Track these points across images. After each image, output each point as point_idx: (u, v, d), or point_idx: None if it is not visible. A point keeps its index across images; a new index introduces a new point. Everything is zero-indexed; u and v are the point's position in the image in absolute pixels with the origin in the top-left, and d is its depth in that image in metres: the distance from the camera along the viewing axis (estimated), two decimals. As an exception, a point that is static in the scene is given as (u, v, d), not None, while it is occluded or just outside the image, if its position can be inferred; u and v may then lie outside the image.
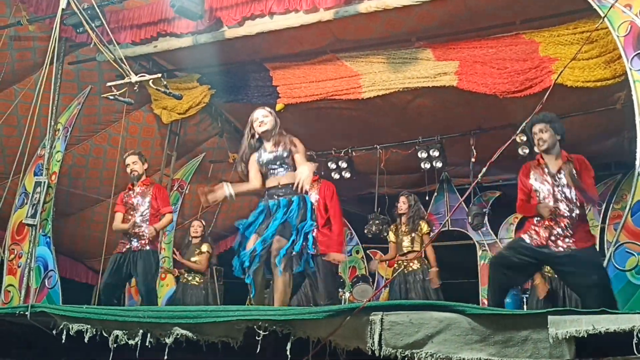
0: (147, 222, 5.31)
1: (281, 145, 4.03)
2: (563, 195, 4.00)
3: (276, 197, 3.96)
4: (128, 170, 5.46)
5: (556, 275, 4.92)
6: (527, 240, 4.04)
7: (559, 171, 4.06)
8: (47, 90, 5.21)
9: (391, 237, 6.60)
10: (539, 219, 4.03)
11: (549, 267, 5.11)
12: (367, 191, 9.36)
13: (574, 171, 3.94)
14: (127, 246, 5.27)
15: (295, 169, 4.00)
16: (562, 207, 3.98)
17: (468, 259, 8.84)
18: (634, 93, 3.96)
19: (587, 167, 4.06)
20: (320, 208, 5.25)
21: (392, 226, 6.74)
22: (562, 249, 3.92)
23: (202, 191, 4.04)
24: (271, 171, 4.04)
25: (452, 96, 6.41)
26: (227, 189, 3.99)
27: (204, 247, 6.92)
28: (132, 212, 5.38)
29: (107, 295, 5.22)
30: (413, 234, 6.31)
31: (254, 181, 4.12)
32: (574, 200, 3.97)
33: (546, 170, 4.12)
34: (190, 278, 6.88)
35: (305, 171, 3.83)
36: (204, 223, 7.22)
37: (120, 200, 5.51)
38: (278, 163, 4.01)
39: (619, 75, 4.99)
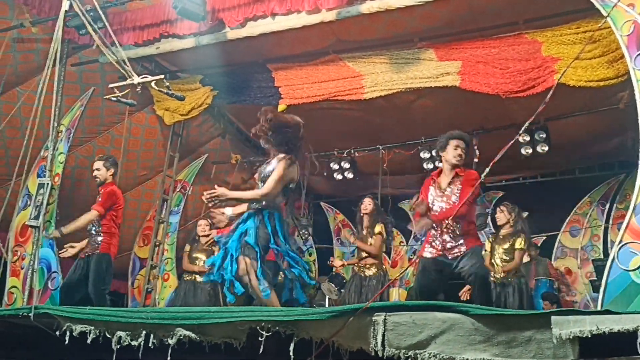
0: (100, 227, 5.30)
1: (272, 162, 3.99)
2: (447, 207, 4.36)
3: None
4: (93, 174, 5.51)
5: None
6: (428, 256, 4.42)
7: (449, 185, 4.45)
8: (50, 92, 5.21)
9: (351, 239, 6.61)
10: (433, 232, 4.43)
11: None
12: (369, 192, 9.34)
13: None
14: (86, 250, 5.32)
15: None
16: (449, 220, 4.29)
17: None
18: (637, 92, 3.94)
19: (470, 184, 4.31)
20: None
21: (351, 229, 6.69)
22: (455, 255, 4.31)
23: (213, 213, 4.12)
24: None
25: (455, 96, 6.39)
26: (228, 212, 4.08)
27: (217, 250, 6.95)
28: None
29: (65, 296, 5.25)
30: (370, 239, 6.21)
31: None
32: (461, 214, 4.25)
33: (439, 184, 4.51)
34: (197, 276, 6.89)
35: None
36: (210, 222, 7.23)
37: None
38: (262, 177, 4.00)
39: (622, 75, 4.96)
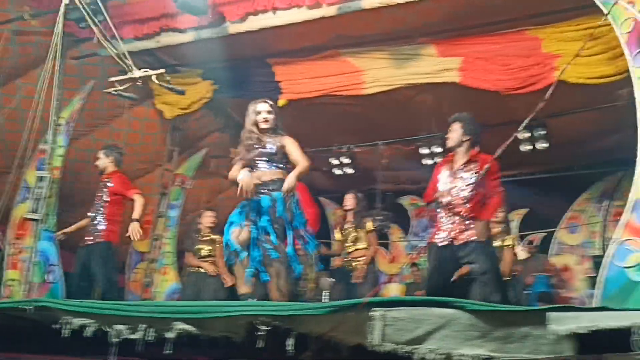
0: (104, 214, 5.37)
1: (270, 142, 4.05)
2: (460, 190, 4.29)
3: (258, 194, 3.95)
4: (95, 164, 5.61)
5: None
6: (438, 242, 4.31)
7: (461, 167, 4.35)
8: (50, 85, 5.21)
9: (337, 235, 6.58)
10: (442, 216, 4.33)
11: None
12: (368, 187, 9.36)
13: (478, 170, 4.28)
14: (86, 239, 5.38)
15: (282, 167, 4.04)
16: (458, 201, 4.27)
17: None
18: (637, 90, 3.95)
19: (493, 167, 4.30)
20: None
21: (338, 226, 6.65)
22: (463, 241, 4.20)
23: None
24: (254, 166, 4.04)
25: (455, 92, 6.40)
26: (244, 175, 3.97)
27: (218, 238, 6.93)
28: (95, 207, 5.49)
29: (75, 286, 5.32)
30: (357, 233, 6.21)
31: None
32: (471, 196, 4.24)
33: (453, 166, 4.42)
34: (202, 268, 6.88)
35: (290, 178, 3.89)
36: (215, 212, 7.22)
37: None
38: (263, 159, 4.02)
39: (622, 72, 4.97)
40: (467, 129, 4.42)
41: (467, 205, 4.22)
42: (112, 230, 5.38)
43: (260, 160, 4.03)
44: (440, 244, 4.30)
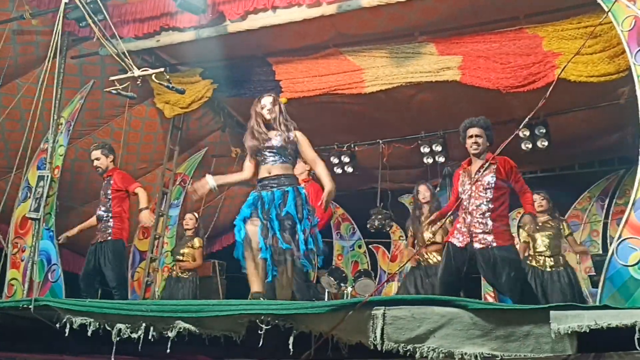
0: (111, 213, 5.36)
1: (278, 135, 4.01)
2: (479, 193, 4.29)
3: (269, 188, 3.92)
4: (94, 165, 5.56)
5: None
6: (455, 243, 4.31)
7: (477, 171, 4.35)
8: (50, 84, 5.21)
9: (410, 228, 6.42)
10: (461, 218, 4.33)
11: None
12: (369, 186, 9.37)
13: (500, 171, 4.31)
14: (97, 237, 5.39)
15: (292, 161, 4.04)
16: (478, 203, 4.27)
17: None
18: (638, 88, 3.94)
19: (512, 167, 4.39)
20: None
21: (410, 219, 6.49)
22: (482, 245, 4.18)
23: (189, 189, 4.06)
24: (263, 159, 4.01)
25: (455, 91, 6.40)
26: (210, 182, 4.12)
27: (197, 243, 7.04)
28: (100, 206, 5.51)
29: (84, 284, 5.30)
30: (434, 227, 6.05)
31: (246, 171, 4.15)
32: (491, 199, 4.25)
33: (470, 170, 4.45)
34: (180, 271, 6.97)
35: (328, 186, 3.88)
36: (196, 216, 7.29)
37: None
38: (271, 151, 3.99)
39: (623, 70, 4.96)
40: (489, 136, 4.44)
41: (489, 207, 4.23)
42: (122, 228, 5.40)
43: (268, 153, 4.00)
44: (456, 245, 4.29)
